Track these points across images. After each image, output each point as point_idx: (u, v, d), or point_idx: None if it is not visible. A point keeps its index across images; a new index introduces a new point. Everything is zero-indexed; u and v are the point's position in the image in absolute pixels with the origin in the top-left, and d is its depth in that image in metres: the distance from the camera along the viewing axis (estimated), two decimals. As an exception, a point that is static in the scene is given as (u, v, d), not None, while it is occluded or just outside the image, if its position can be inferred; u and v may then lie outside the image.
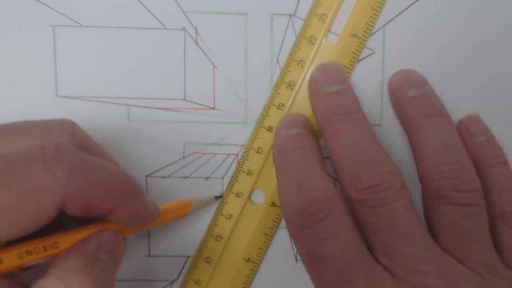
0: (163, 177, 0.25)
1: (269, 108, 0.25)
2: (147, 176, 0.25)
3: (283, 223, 0.26)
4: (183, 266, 0.26)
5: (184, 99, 0.25)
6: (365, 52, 0.25)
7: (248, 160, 0.25)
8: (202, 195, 0.26)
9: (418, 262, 0.21)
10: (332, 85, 0.23)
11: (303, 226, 0.22)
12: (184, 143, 0.25)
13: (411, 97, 0.24)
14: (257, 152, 0.25)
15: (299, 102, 0.25)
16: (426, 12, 0.25)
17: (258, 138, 0.25)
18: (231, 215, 0.25)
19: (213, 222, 0.26)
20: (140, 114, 0.25)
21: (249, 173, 0.25)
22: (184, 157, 0.25)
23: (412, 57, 0.25)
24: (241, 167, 0.25)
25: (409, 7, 0.25)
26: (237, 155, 0.25)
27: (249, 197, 0.25)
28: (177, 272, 0.26)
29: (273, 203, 0.25)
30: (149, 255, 0.26)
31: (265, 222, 0.25)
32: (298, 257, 0.26)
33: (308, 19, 0.24)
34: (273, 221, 0.25)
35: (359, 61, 0.25)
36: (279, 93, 0.25)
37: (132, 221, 0.20)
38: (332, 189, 0.22)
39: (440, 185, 0.22)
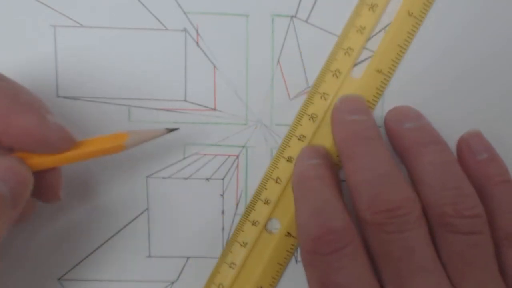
0: (164, 178, 0.25)
1: (290, 138, 0.25)
2: (147, 177, 0.25)
3: (297, 254, 0.26)
4: (183, 267, 0.26)
5: (185, 100, 0.25)
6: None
7: (266, 189, 0.25)
8: (203, 196, 0.26)
9: None
10: (354, 114, 0.23)
11: (318, 253, 0.21)
12: (185, 144, 0.25)
13: (407, 129, 0.23)
14: (276, 182, 0.25)
15: (321, 134, 0.25)
16: (427, 13, 0.25)
17: (277, 168, 0.25)
18: (246, 243, 0.25)
19: (227, 249, 0.26)
20: (141, 115, 0.25)
21: (266, 202, 0.25)
22: (184, 158, 0.25)
23: (413, 58, 0.25)
24: (259, 196, 0.25)
25: (410, 9, 0.25)
26: (237, 156, 0.25)
27: (265, 226, 0.25)
28: (177, 273, 0.26)
29: (288, 233, 0.25)
30: (149, 256, 0.26)
31: (279, 251, 0.25)
32: (299, 258, 0.26)
33: (334, 53, 0.24)
34: (288, 251, 0.25)
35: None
36: (301, 124, 0.25)
37: (27, 142, 0.19)
38: (351, 221, 0.21)
39: (443, 211, 0.21)
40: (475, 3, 0.24)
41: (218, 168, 0.26)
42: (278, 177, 0.25)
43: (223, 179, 0.26)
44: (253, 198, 0.25)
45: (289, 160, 0.25)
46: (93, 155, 0.21)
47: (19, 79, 0.25)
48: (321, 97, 0.25)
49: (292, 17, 0.25)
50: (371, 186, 0.21)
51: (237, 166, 0.26)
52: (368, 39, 0.24)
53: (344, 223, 0.21)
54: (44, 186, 0.21)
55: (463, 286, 0.21)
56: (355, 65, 0.25)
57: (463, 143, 0.24)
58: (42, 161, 0.20)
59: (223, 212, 0.26)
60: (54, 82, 0.25)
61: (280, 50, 0.25)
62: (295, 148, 0.25)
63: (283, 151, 0.25)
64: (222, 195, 0.26)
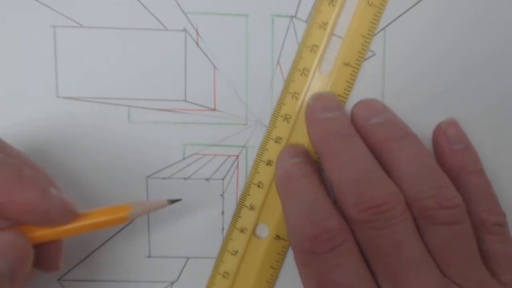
0: (164, 178, 0.25)
1: (267, 141, 0.25)
2: (147, 177, 0.25)
3: (289, 256, 0.26)
4: (183, 267, 0.26)
5: (185, 100, 0.25)
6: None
7: (249, 195, 0.25)
8: (203, 196, 0.26)
9: None
10: (328, 112, 0.23)
11: (314, 253, 0.21)
12: (185, 144, 0.25)
13: (376, 124, 0.23)
14: (258, 186, 0.25)
15: (297, 134, 0.25)
16: (427, 13, 0.25)
17: (258, 172, 0.25)
18: (237, 251, 0.25)
19: (219, 259, 0.26)
20: (141, 115, 0.25)
21: (251, 208, 0.25)
22: (184, 158, 0.25)
23: (413, 58, 0.25)
24: (243, 203, 0.25)
25: (410, 9, 0.25)
26: (237, 156, 0.25)
27: (253, 231, 0.25)
28: (177, 273, 0.26)
29: (277, 236, 0.25)
30: (149, 256, 0.26)
31: (271, 255, 0.25)
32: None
33: (300, 51, 0.25)
34: (279, 254, 0.25)
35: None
36: (275, 127, 0.25)
37: (29, 216, 0.19)
38: (343, 218, 0.22)
39: (424, 205, 0.21)
40: (475, 3, 0.24)
41: (218, 168, 0.26)
42: (260, 182, 0.25)
43: (223, 179, 0.26)
44: (238, 205, 0.25)
45: (268, 163, 0.25)
46: (95, 227, 0.21)
47: (19, 79, 0.25)
48: (292, 97, 0.25)
49: (292, 17, 0.25)
50: (354, 184, 0.21)
51: (237, 166, 0.26)
52: (331, 33, 0.24)
53: (337, 221, 0.21)
54: (44, 257, 0.21)
55: (452, 275, 0.22)
56: (321, 61, 0.25)
57: (440, 133, 0.24)
58: (43, 234, 0.20)
59: (223, 212, 0.26)
60: (54, 82, 0.25)
61: (280, 50, 0.25)
62: (273, 151, 0.25)
63: (262, 155, 0.25)
64: (222, 195, 0.26)
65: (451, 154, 0.24)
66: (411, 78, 0.25)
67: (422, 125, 0.25)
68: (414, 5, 0.24)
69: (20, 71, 0.25)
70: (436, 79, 0.25)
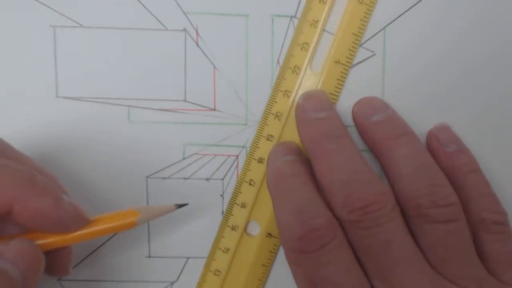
0: (164, 178, 0.25)
1: (258, 139, 0.25)
2: (147, 177, 0.25)
3: (281, 254, 0.26)
4: (183, 267, 0.26)
5: (185, 100, 0.25)
6: (366, 53, 0.25)
7: (241, 192, 0.25)
8: (203, 196, 0.26)
9: (415, 286, 0.21)
10: (319, 112, 0.23)
11: (304, 252, 0.21)
12: (185, 144, 0.25)
13: (376, 122, 0.24)
14: (250, 184, 0.25)
15: (288, 132, 0.25)
16: (427, 13, 0.25)
17: (249, 170, 0.25)
18: (228, 249, 0.25)
19: (211, 257, 0.26)
20: (141, 115, 0.25)
21: (243, 205, 0.25)
22: (184, 158, 0.25)
23: (413, 58, 0.25)
24: (235, 200, 0.25)
25: (410, 9, 0.25)
26: (237, 156, 0.26)
27: (245, 229, 0.25)
28: (177, 273, 0.26)
29: (269, 233, 0.25)
30: (149, 256, 0.26)
31: (262, 253, 0.25)
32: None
33: (291, 49, 0.25)
34: (271, 251, 0.25)
35: (360, 62, 0.25)
36: (267, 124, 0.25)
37: (43, 223, 0.20)
38: (333, 216, 0.22)
39: (419, 203, 0.22)
40: (475, 3, 0.24)
41: (218, 168, 0.26)
42: (251, 180, 0.25)
43: (223, 179, 0.26)
44: (229, 203, 0.25)
45: (260, 161, 0.25)
46: (104, 233, 0.21)
47: (19, 79, 0.25)
48: (283, 95, 0.25)
49: (292, 17, 0.25)
50: (344, 185, 0.22)
51: (237, 166, 0.26)
52: (322, 31, 0.24)
53: (326, 219, 0.22)
54: (54, 262, 0.21)
55: (446, 271, 0.22)
56: (312, 59, 0.25)
57: (432, 137, 0.24)
58: (54, 241, 0.21)
59: (223, 212, 0.26)
60: (53, 82, 0.25)
61: (280, 50, 0.25)
62: (265, 149, 0.25)
63: (253, 153, 0.25)
64: (222, 195, 0.26)
65: (445, 156, 0.24)
66: (411, 78, 0.25)
67: (422, 125, 0.25)
68: (414, 5, 0.25)
69: (20, 71, 0.25)
70: (436, 79, 0.25)
